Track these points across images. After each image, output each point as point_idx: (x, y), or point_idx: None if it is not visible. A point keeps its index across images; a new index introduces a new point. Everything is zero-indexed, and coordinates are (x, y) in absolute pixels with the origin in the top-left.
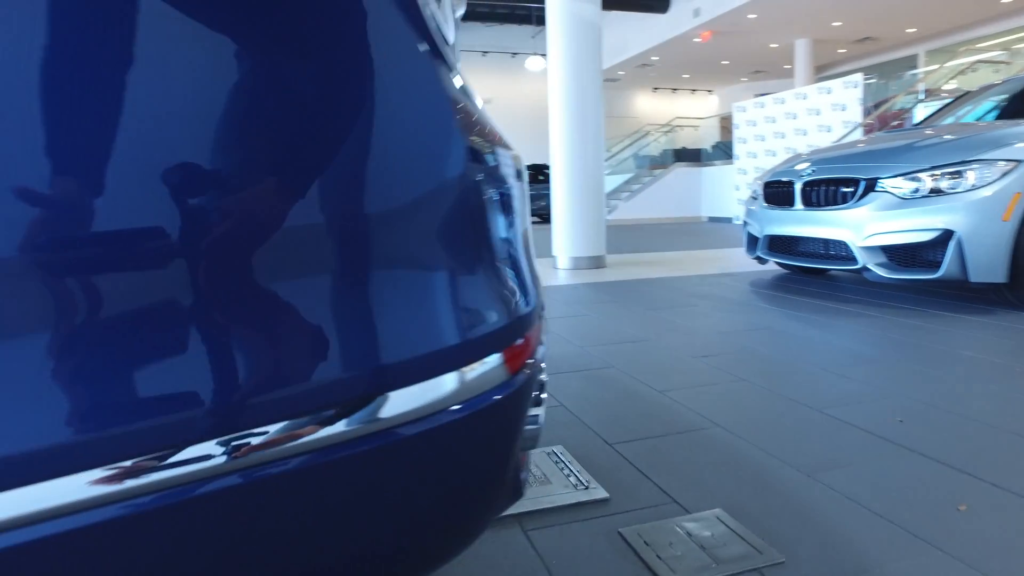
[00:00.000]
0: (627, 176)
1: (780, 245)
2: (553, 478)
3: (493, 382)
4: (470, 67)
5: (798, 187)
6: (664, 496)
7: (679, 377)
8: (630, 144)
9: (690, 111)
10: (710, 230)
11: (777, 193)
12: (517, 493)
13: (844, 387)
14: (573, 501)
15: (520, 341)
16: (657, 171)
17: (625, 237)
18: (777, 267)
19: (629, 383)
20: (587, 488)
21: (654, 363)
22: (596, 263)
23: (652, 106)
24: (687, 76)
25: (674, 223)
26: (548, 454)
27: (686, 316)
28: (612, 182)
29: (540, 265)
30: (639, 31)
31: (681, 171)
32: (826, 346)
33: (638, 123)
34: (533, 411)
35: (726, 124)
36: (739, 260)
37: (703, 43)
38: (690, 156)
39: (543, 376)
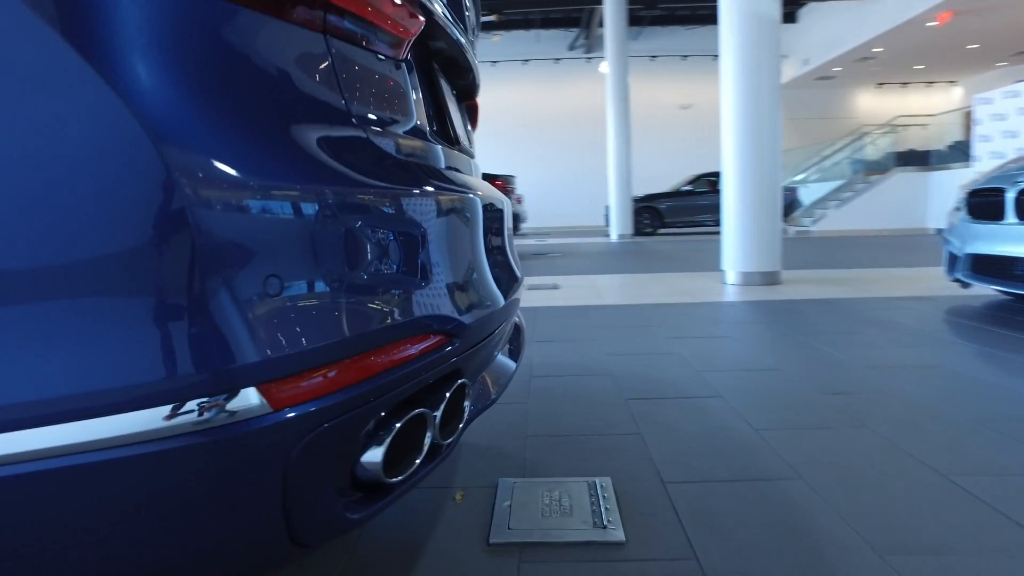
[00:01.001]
0: (837, 183)
1: (988, 266)
2: (577, 511)
3: (231, 417)
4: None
5: (1011, 196)
6: (688, 551)
7: (789, 415)
8: (843, 147)
9: (925, 107)
10: (929, 244)
11: (985, 204)
12: (319, 533)
13: (999, 451)
14: (584, 540)
15: (291, 377)
16: (873, 177)
17: (821, 250)
18: (998, 294)
19: (727, 416)
20: (605, 528)
21: (770, 396)
22: (769, 279)
23: (876, 104)
24: (920, 67)
25: (890, 235)
26: (589, 485)
27: (842, 345)
28: (819, 190)
29: (706, 280)
30: (857, 21)
31: (902, 176)
32: (1004, 396)
33: (856, 124)
34: (372, 452)
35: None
36: (946, 282)
37: (939, 27)
38: (916, 159)
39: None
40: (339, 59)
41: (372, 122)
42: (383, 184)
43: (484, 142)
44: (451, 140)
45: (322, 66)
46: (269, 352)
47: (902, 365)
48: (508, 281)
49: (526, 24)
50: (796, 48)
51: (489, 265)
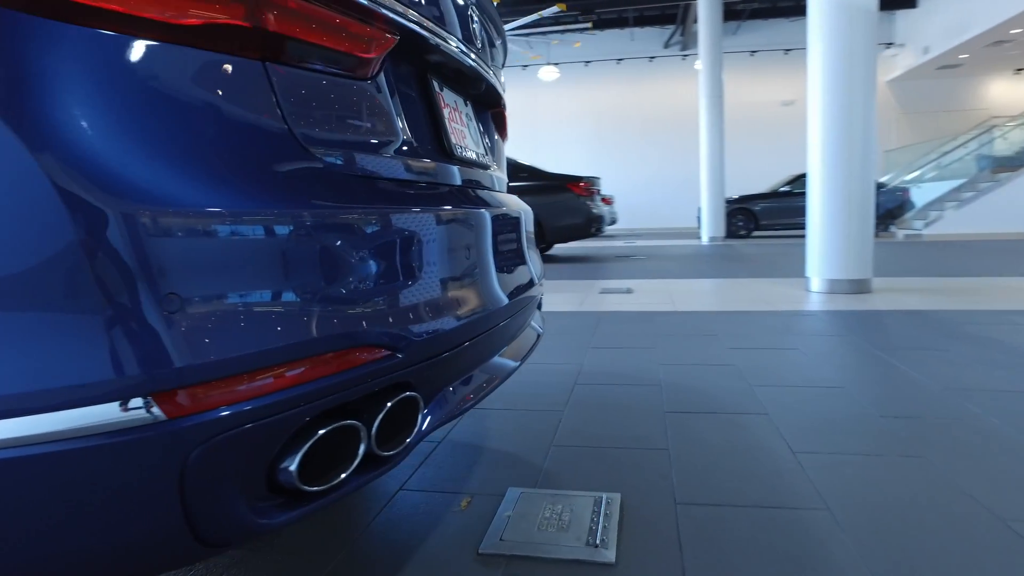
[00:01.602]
0: (957, 182)
1: None
2: (574, 527)
3: (122, 424)
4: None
5: None
6: None
7: (836, 438)
8: (967, 142)
9: None
10: None
11: None
12: (218, 540)
13: None
14: (572, 557)
15: (187, 387)
16: (1002, 175)
17: (928, 256)
18: None
19: (766, 436)
20: (596, 547)
21: (822, 416)
22: (858, 287)
23: (1011, 93)
24: None
25: (1019, 239)
26: (595, 500)
27: (922, 363)
28: (934, 190)
29: (789, 287)
30: (990, 1)
31: None
32: None
33: (984, 115)
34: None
35: None
36: None
37: None
38: None
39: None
40: (281, 83)
41: (322, 142)
42: (320, 202)
43: (575, 143)
44: (447, 154)
45: (256, 92)
46: (163, 364)
47: (987, 389)
48: (511, 289)
49: (620, 23)
50: (914, 36)
51: (482, 274)
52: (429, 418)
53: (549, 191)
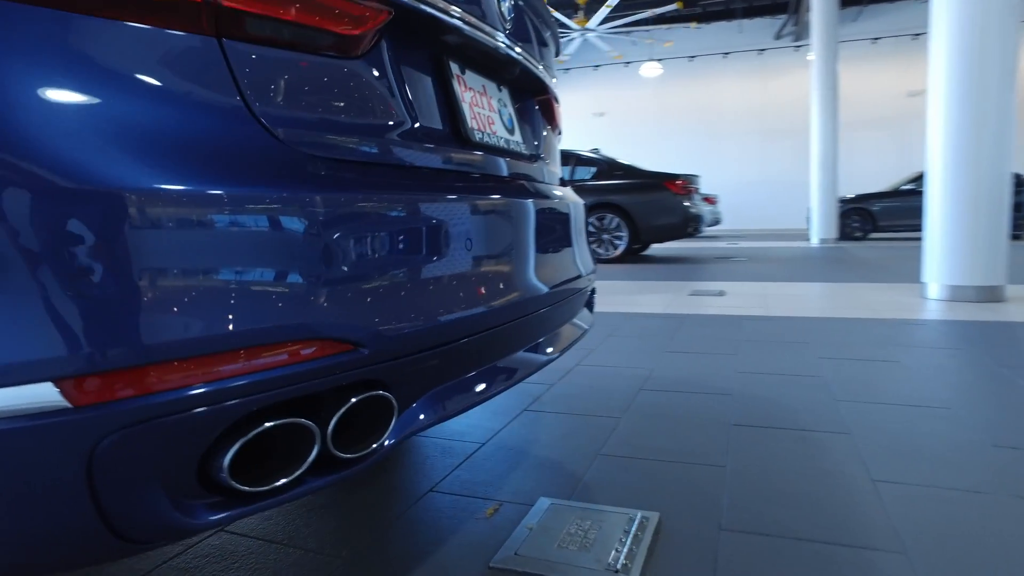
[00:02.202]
0: None
1: None
2: (598, 547)
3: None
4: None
5: None
6: None
7: (930, 467)
8: None
9: None
10: None
11: None
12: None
13: None
14: None
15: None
16: None
17: None
18: None
19: (843, 459)
20: (616, 572)
21: (916, 441)
22: (988, 295)
23: None
24: None
25: None
26: (628, 518)
27: None
28: None
29: (901, 293)
30: None
31: None
32: None
33: None
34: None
35: None
36: None
37: None
38: None
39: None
40: (240, 60)
41: (288, 121)
42: (273, 184)
43: (678, 141)
44: (463, 140)
45: (210, 68)
46: (71, 350)
47: None
48: (544, 282)
49: (727, 15)
50: None
51: (495, 267)
52: (415, 417)
53: (645, 189)
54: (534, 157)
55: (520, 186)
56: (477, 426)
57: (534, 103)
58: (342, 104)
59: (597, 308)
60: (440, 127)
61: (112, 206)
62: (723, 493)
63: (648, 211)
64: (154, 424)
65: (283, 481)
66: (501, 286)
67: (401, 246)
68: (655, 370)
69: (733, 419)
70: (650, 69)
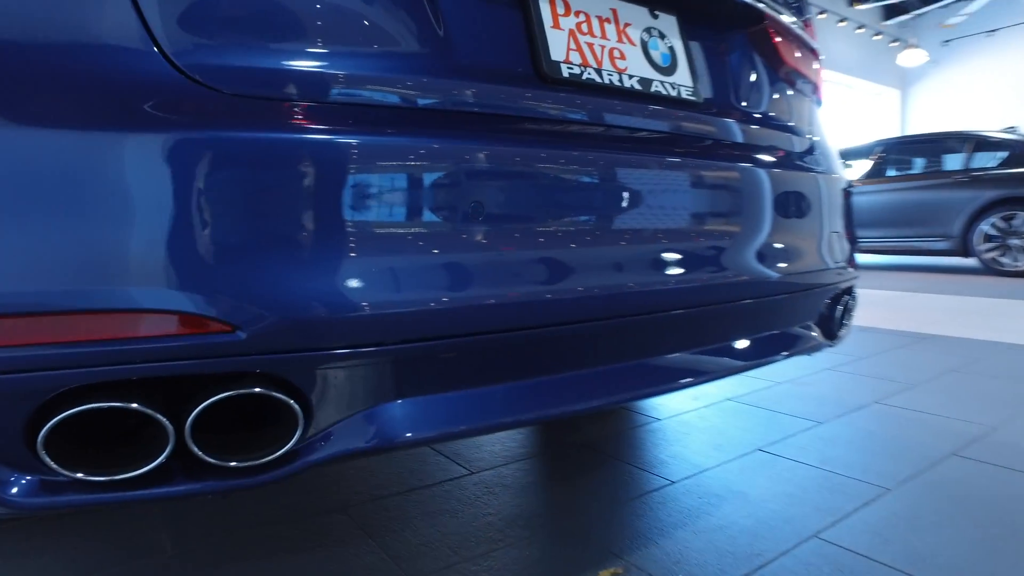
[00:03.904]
0: None
1: None
2: None
3: None
4: None
5: None
6: None
7: None
8: None
9: None
10: None
11: None
12: None
13: None
14: None
15: None
16: None
17: None
18: None
19: None
20: None
21: None
22: None
23: None
24: None
25: None
26: None
27: None
28: None
29: None
30: None
31: None
32: None
33: None
34: None
35: None
36: None
37: None
38: None
39: None
40: None
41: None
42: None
43: None
44: (541, 76)
45: None
46: None
47: None
48: (666, 275)
49: None
50: None
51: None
52: (366, 432)
53: None
54: (716, 106)
55: (664, 139)
56: (681, 457)
57: (744, 36)
58: (266, 24)
59: (938, 328)
60: (506, 58)
61: None
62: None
63: None
64: None
65: (130, 475)
66: (553, 272)
67: (327, 203)
68: (997, 429)
69: None
70: None
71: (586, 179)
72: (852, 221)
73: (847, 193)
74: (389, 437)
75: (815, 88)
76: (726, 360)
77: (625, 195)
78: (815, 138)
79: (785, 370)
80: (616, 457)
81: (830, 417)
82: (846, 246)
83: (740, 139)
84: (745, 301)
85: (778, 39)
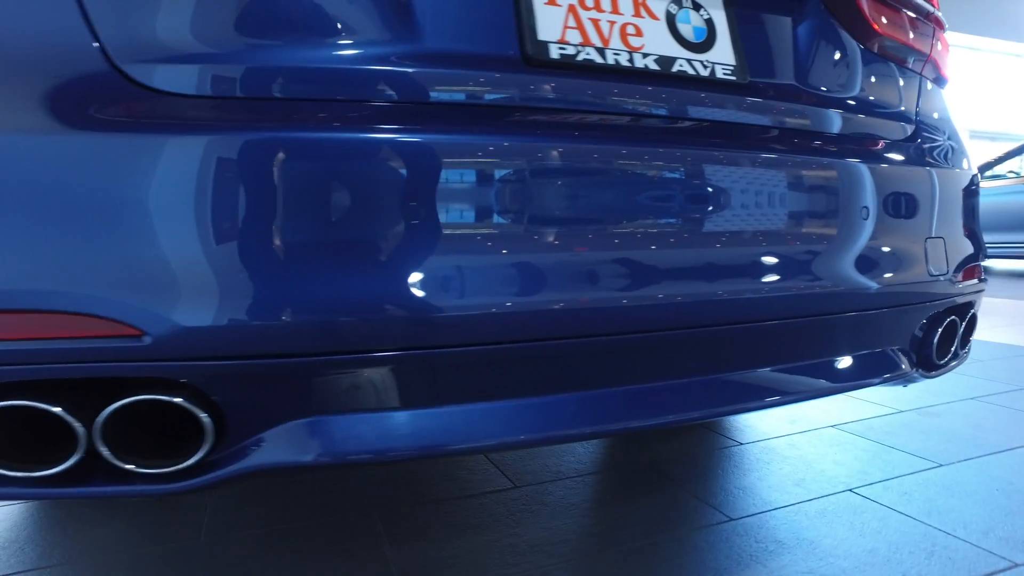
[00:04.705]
0: None
1: None
2: None
3: None
4: None
5: None
6: None
7: None
8: None
9: None
10: None
11: None
12: None
13: None
14: None
15: None
16: None
17: None
18: None
19: None
20: None
21: None
22: None
23: None
24: None
25: None
26: None
27: None
28: None
29: None
30: None
31: None
32: None
33: None
34: None
35: None
36: None
37: None
38: None
39: None
40: None
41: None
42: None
43: None
44: (527, 59)
45: None
46: None
47: None
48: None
49: None
50: None
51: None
52: (287, 447)
53: None
54: (770, 88)
55: (689, 129)
56: (751, 490)
57: (811, 3)
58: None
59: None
60: (479, 41)
61: None
62: None
63: None
64: None
65: (43, 474)
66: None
67: (237, 205)
68: None
69: None
70: None
71: (579, 176)
72: (974, 224)
73: (970, 191)
74: (321, 453)
75: (929, 63)
76: (762, 387)
77: (625, 193)
78: (926, 125)
79: (911, 395)
80: (676, 482)
81: (955, 459)
82: (959, 255)
83: (803, 127)
84: (793, 319)
85: (867, 2)
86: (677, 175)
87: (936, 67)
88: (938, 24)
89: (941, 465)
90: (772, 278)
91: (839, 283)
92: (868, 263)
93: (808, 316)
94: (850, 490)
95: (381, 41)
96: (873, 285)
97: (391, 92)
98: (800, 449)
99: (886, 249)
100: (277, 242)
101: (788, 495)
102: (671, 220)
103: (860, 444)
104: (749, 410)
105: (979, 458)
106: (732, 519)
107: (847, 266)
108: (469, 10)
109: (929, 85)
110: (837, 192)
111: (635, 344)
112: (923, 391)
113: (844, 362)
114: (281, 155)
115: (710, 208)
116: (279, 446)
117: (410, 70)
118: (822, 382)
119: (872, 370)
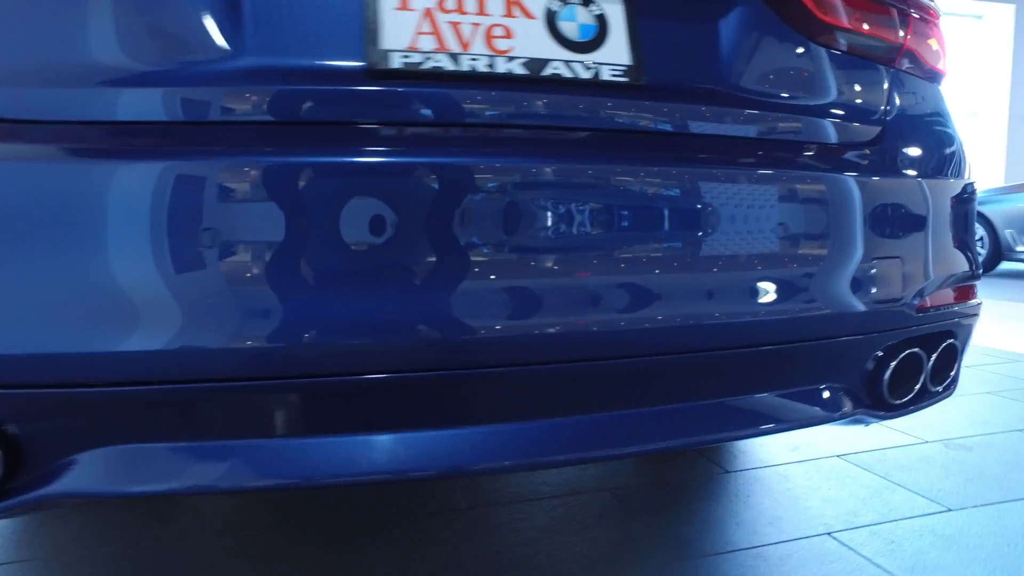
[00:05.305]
0: None
1: None
2: None
3: None
4: None
5: None
6: None
7: None
8: None
9: None
10: None
11: None
12: None
13: None
14: None
15: None
16: None
17: None
18: None
19: None
20: None
21: None
22: None
23: None
24: None
25: None
26: None
27: None
28: None
29: None
30: None
31: None
32: None
33: None
34: None
35: None
36: None
37: None
38: None
39: None
40: None
41: None
42: None
43: None
44: (370, 70)
45: None
46: None
47: None
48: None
49: None
50: None
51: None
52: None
53: None
54: (676, 89)
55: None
56: (716, 527)
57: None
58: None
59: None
60: (320, 52)
61: None
62: None
63: None
64: None
65: None
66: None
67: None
68: None
69: None
70: None
71: (423, 195)
72: (965, 240)
73: (959, 202)
74: (107, 485)
75: (904, 54)
76: (673, 426)
77: (481, 212)
78: (898, 128)
79: (940, 423)
80: (633, 512)
81: (970, 503)
82: (921, 279)
83: (720, 131)
84: (701, 352)
85: None
86: (546, 191)
87: (916, 58)
88: (919, 8)
89: (950, 510)
90: (669, 310)
91: (755, 312)
92: (791, 289)
93: (712, 349)
94: (828, 534)
95: (206, 59)
96: (800, 314)
97: (203, 111)
98: (791, 481)
99: (813, 272)
100: (53, 268)
101: (756, 535)
102: (537, 243)
103: (863, 479)
104: (648, 451)
105: (999, 504)
106: (683, 559)
107: (760, 294)
108: (314, 21)
109: (906, 80)
110: (752, 205)
111: (516, 378)
112: (959, 418)
113: (763, 401)
114: (65, 177)
115: (583, 229)
116: (87, 475)
117: (230, 88)
118: (740, 425)
119: (799, 411)
